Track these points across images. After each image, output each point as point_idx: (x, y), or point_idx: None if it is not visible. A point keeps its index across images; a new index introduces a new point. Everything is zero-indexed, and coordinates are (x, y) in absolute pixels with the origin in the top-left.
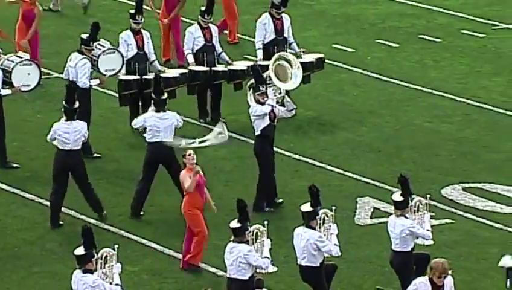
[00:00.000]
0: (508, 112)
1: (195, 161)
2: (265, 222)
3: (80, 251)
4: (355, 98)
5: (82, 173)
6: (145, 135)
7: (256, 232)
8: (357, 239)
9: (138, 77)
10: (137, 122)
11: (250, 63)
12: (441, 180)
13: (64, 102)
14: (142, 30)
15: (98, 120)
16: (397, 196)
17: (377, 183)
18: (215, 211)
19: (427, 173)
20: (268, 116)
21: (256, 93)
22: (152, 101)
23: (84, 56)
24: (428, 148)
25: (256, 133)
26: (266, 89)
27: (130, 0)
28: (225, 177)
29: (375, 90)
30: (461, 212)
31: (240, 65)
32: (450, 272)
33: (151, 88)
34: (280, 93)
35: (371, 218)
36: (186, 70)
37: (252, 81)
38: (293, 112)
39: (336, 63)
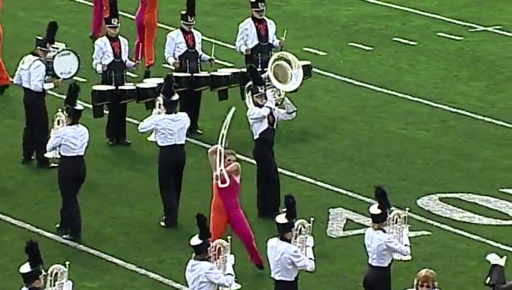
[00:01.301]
0: (486, 118)
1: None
2: (229, 237)
3: (25, 268)
4: (327, 103)
5: (83, 181)
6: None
7: (219, 248)
8: (329, 252)
9: (113, 88)
10: (145, 126)
11: (235, 70)
12: (417, 190)
13: (67, 103)
14: (120, 37)
15: None
16: (375, 209)
17: (350, 193)
18: None
19: (402, 182)
20: (266, 120)
21: (254, 95)
22: (162, 103)
23: (38, 58)
24: (404, 157)
25: (255, 137)
26: (265, 90)
27: (87, 1)
28: (190, 187)
29: (348, 95)
30: (438, 224)
31: (224, 71)
32: (436, 284)
33: (127, 99)
34: (279, 95)
35: (344, 230)
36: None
37: (250, 83)
38: (294, 114)
39: None
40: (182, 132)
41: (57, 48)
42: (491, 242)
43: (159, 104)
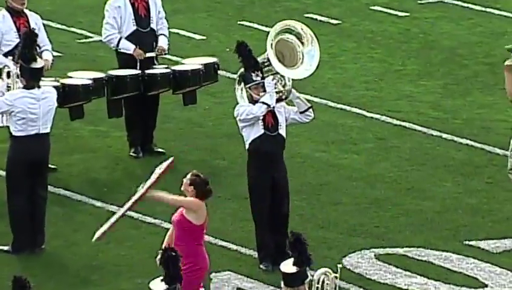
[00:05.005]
0: (444, 135)
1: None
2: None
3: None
4: (208, 113)
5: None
6: None
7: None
8: None
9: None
10: None
11: (100, 75)
12: (343, 244)
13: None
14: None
15: None
16: (288, 266)
17: (243, 250)
18: None
19: (321, 231)
20: (261, 122)
21: (247, 86)
22: (19, 73)
23: None
24: (323, 193)
25: (246, 147)
26: (262, 78)
27: None
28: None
29: None
30: None
31: (77, 77)
32: None
33: None
34: (284, 85)
35: None
36: None
37: (242, 70)
38: (310, 113)
39: (177, 59)
40: (48, 115)
41: None
42: None
43: (10, 73)
